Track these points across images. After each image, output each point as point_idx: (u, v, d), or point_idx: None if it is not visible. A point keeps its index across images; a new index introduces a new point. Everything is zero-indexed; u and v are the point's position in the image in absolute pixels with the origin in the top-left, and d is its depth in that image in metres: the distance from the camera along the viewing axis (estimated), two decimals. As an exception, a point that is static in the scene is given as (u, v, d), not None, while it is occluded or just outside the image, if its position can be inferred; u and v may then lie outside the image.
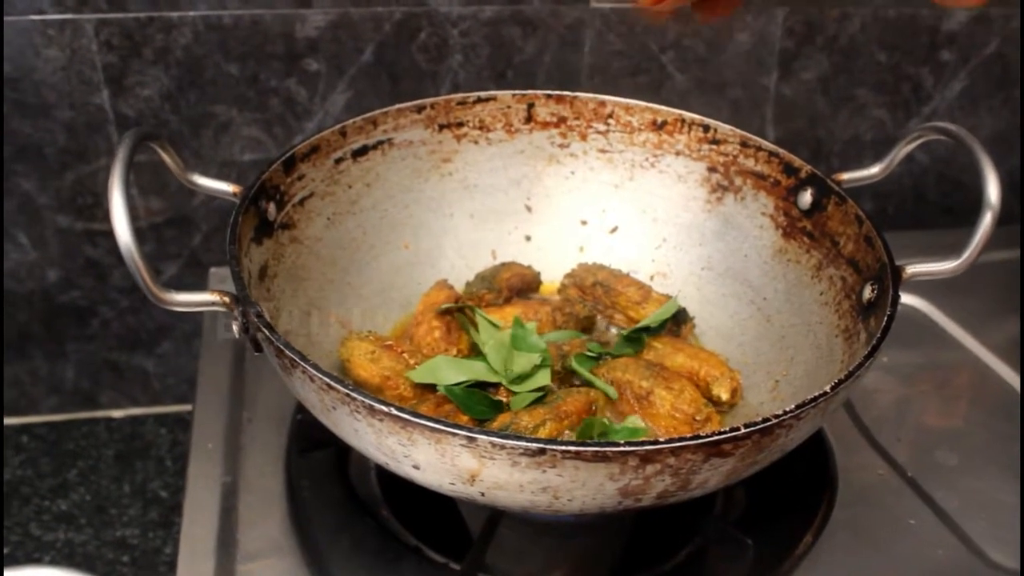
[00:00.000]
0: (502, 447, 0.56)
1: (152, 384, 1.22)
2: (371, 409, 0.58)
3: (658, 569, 0.75)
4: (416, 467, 0.60)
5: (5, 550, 1.03)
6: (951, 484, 0.84)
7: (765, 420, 0.58)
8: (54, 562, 1.03)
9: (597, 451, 0.55)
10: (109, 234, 0.61)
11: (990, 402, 0.94)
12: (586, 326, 0.86)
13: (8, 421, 1.18)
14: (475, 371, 0.76)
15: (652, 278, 0.91)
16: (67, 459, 1.15)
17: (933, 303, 1.05)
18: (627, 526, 0.80)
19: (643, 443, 0.56)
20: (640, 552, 0.78)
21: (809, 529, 0.79)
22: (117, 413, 1.22)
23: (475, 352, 0.81)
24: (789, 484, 0.82)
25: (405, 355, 0.77)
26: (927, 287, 1.03)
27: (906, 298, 1.04)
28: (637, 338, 0.83)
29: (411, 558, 0.74)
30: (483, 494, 0.60)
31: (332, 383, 0.59)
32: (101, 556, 1.05)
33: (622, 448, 0.56)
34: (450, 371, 0.75)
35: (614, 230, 0.93)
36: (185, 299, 0.65)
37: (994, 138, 1.22)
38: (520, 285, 0.88)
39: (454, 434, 0.56)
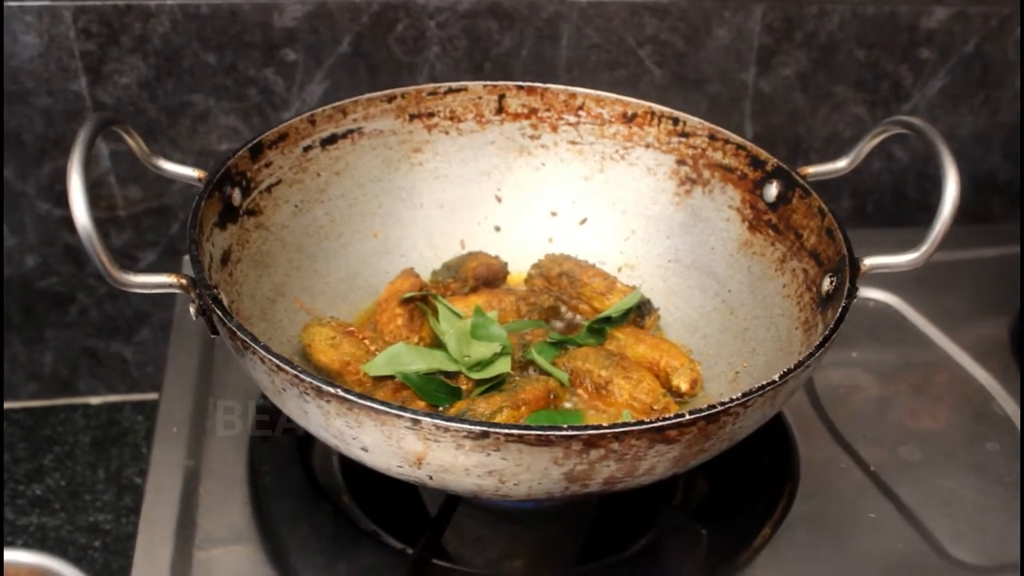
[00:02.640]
0: (446, 429, 0.56)
1: (130, 371, 1.22)
2: (319, 391, 0.59)
3: (615, 558, 0.76)
4: (364, 449, 0.61)
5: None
6: (914, 480, 0.84)
7: (710, 407, 0.58)
8: (27, 546, 1.03)
9: (540, 435, 0.56)
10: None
11: (958, 399, 0.94)
12: (550, 316, 0.86)
13: (-15, 406, 1.19)
14: (435, 359, 0.76)
15: (620, 269, 0.91)
16: (43, 445, 1.15)
17: (906, 300, 1.05)
18: (587, 515, 0.80)
19: (586, 427, 0.56)
20: (599, 541, 0.78)
21: (768, 521, 0.79)
22: (95, 400, 1.22)
23: (438, 341, 0.81)
24: (751, 476, 0.82)
25: (366, 341, 0.78)
26: (901, 284, 1.04)
27: (878, 294, 1.05)
28: (600, 329, 0.83)
29: (368, 543, 0.74)
30: (431, 477, 0.61)
31: (281, 364, 0.60)
32: (73, 540, 1.05)
33: (565, 432, 0.56)
34: (409, 358, 0.75)
35: (583, 221, 0.93)
36: (142, 280, 0.66)
37: (974, 137, 1.23)
38: (487, 275, 0.88)
39: (399, 416, 0.57)
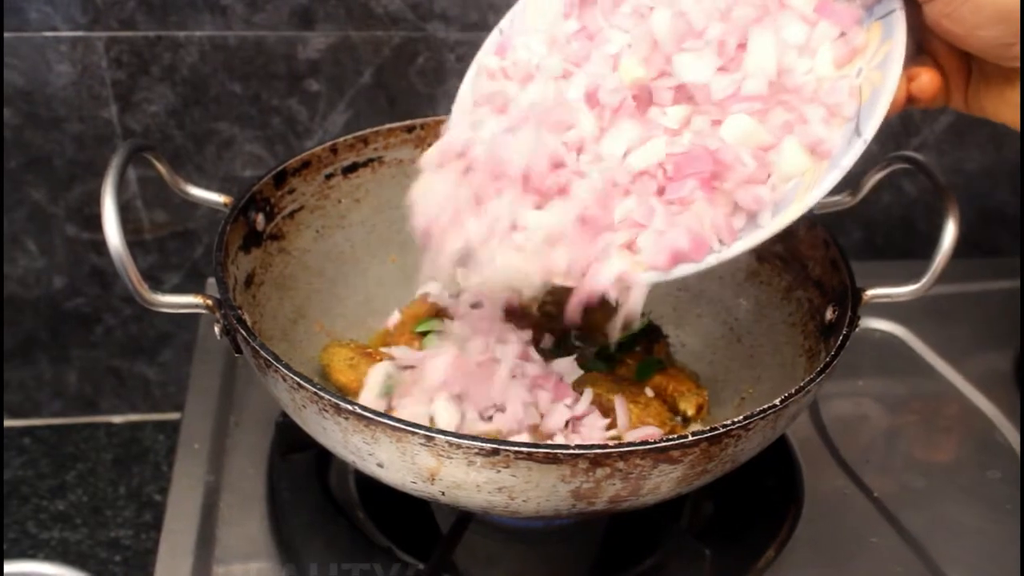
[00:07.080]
0: (458, 446, 0.59)
1: (152, 391, 1.25)
2: (337, 408, 0.61)
3: (621, 577, 0.78)
4: (380, 465, 0.63)
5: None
6: (916, 505, 0.86)
7: (713, 429, 0.61)
8: (48, 559, 1.06)
9: (548, 453, 0.58)
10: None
11: (962, 428, 0.96)
12: (562, 342, 0.89)
13: (11, 423, 1.22)
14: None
15: (631, 297, 0.93)
16: (67, 461, 1.18)
17: (913, 331, 1.07)
18: (596, 535, 0.82)
19: (592, 447, 0.58)
20: (606, 560, 0.80)
21: (772, 543, 0.81)
22: (117, 419, 1.25)
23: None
24: (757, 500, 0.84)
25: (383, 363, 0.80)
26: (908, 315, 1.06)
27: (885, 325, 1.06)
28: (610, 355, 0.85)
29: (382, 558, 0.76)
30: (443, 493, 0.63)
31: (302, 382, 0.62)
32: (94, 555, 1.08)
33: (572, 451, 0.58)
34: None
35: (596, 250, 0.95)
36: (171, 300, 0.69)
37: (981, 172, 1.25)
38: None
39: (414, 433, 0.59)
